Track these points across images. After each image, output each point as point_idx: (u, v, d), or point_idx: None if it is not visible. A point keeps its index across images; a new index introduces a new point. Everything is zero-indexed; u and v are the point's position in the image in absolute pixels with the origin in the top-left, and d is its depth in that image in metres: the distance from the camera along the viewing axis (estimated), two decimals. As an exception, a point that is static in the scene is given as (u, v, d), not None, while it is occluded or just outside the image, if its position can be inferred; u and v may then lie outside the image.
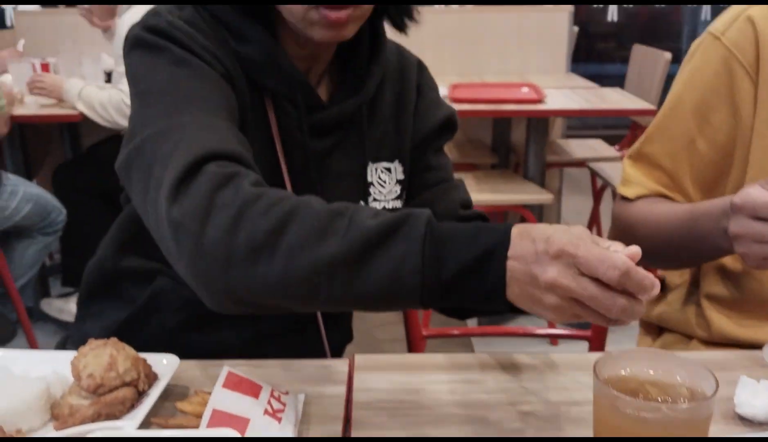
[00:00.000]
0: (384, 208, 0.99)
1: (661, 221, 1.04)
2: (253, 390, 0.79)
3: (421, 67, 1.08)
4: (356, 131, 0.99)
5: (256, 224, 0.68)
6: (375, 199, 1.01)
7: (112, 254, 1.06)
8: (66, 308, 2.68)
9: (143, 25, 0.87)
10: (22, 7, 3.68)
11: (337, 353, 1.11)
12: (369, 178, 1.01)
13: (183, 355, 0.88)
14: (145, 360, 0.83)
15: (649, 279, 0.62)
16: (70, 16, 3.77)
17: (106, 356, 0.81)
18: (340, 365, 0.91)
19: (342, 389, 0.86)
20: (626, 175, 1.11)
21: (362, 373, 0.90)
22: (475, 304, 0.69)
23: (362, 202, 0.99)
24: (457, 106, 2.58)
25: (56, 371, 0.84)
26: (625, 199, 1.12)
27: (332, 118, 0.96)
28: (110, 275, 1.06)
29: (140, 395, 0.81)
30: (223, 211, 0.69)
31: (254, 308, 0.74)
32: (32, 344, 2.44)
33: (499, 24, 3.58)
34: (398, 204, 1.03)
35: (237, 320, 0.94)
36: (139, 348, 0.84)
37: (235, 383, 0.78)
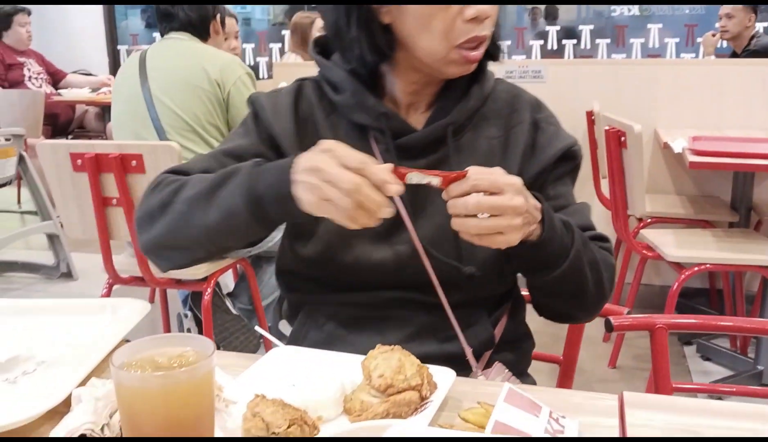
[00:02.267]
0: None
1: None
2: (533, 408, 0.81)
3: (538, 105, 1.18)
4: (445, 154, 1.11)
5: (152, 201, 1.03)
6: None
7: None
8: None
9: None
10: (284, 59, 4.11)
11: (485, 349, 1.14)
12: None
13: None
14: (428, 368, 0.89)
15: (383, 174, 0.86)
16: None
17: (395, 359, 0.88)
18: (609, 399, 0.91)
19: (614, 422, 0.86)
20: None
21: (634, 409, 0.89)
22: (281, 208, 0.92)
23: None
24: (698, 159, 2.49)
25: (346, 371, 0.93)
26: None
27: (418, 141, 1.11)
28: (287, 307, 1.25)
29: (422, 400, 0.87)
30: (143, 200, 1.06)
31: (170, 254, 1.06)
32: (271, 360, 2.65)
33: (743, 77, 3.38)
34: None
35: (380, 324, 1.11)
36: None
37: (516, 400, 0.81)
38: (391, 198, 1.04)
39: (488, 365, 1.13)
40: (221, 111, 2.48)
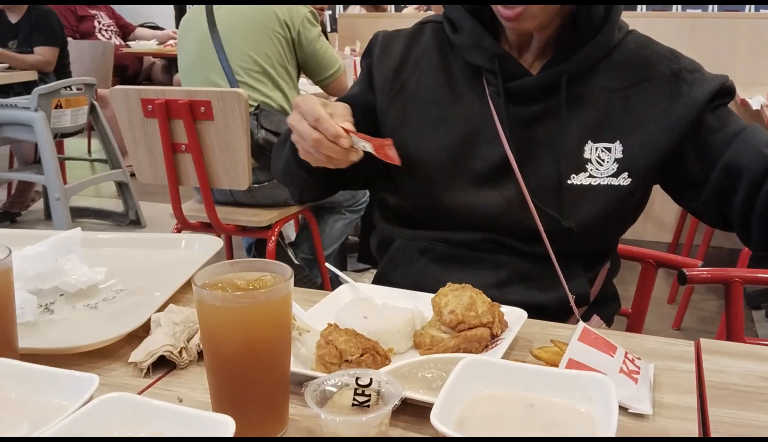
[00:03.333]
0: (599, 184, 1.06)
1: None
2: (608, 348, 0.80)
3: (673, 55, 1.11)
4: (557, 102, 1.06)
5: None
6: (591, 176, 1.06)
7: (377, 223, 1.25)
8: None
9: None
10: (348, 10, 4.10)
11: (579, 305, 1.12)
12: (587, 155, 1.06)
13: None
14: (499, 307, 0.89)
15: (334, 128, 0.92)
16: (386, 19, 4.11)
17: (466, 297, 0.88)
18: (685, 345, 0.90)
19: (690, 366, 0.84)
20: None
21: (710, 355, 0.87)
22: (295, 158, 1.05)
23: (574, 176, 1.06)
24: (779, 116, 2.39)
25: (417, 307, 0.93)
26: None
27: (530, 86, 1.06)
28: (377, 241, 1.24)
29: (493, 338, 0.87)
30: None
31: (290, 191, 1.25)
32: (332, 309, 2.69)
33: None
34: (614, 181, 1.06)
35: (473, 265, 1.10)
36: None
37: (591, 339, 0.80)
38: (501, 146, 1.06)
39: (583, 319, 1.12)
40: (290, 53, 2.50)
